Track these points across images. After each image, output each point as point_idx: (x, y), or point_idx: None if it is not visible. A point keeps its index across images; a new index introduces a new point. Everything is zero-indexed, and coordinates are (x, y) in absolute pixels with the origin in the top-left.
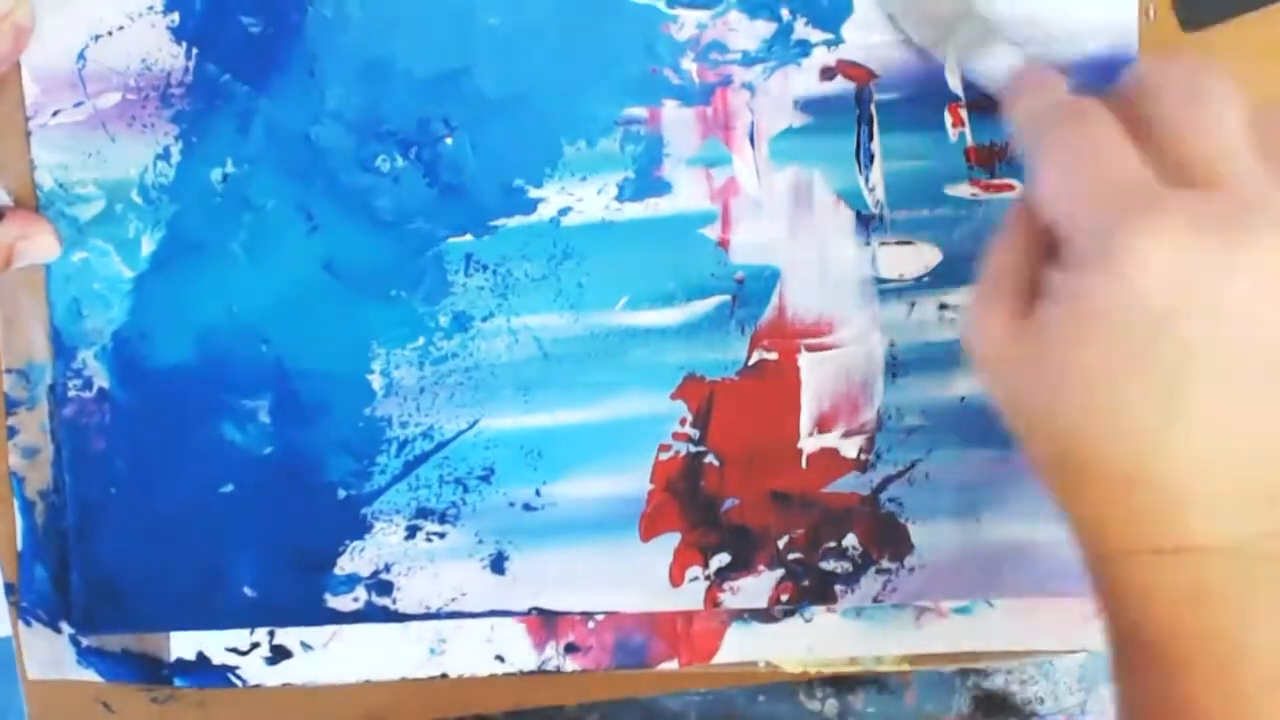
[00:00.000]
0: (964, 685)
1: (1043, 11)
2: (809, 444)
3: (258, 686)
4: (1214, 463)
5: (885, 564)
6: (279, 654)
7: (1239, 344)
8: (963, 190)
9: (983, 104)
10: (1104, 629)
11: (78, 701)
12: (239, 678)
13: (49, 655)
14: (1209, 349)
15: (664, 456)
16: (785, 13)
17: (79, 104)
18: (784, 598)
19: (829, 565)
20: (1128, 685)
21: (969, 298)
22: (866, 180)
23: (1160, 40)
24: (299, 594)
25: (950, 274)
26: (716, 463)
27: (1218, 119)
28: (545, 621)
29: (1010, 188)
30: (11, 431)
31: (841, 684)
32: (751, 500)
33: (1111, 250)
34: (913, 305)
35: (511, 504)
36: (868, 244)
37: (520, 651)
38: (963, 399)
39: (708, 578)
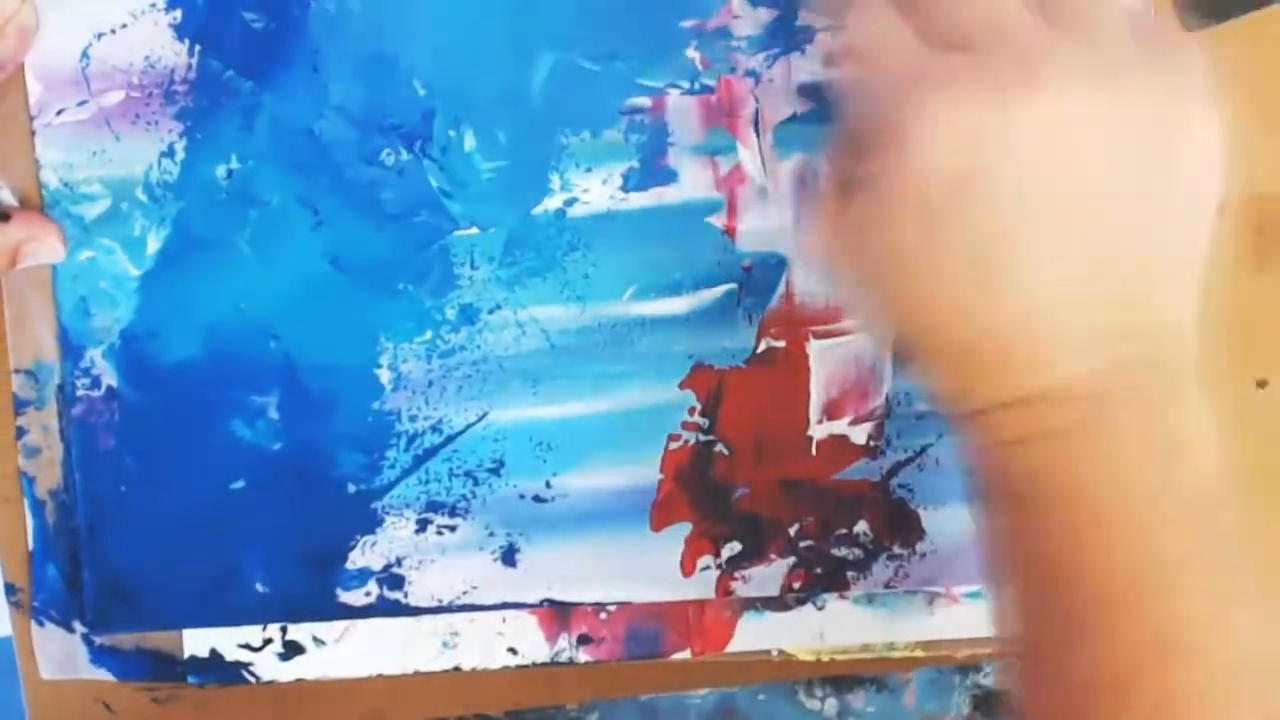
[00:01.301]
0: (963, 684)
1: None
2: (818, 431)
3: (271, 682)
4: (1053, 305)
5: (897, 550)
6: (292, 650)
7: (1043, 184)
8: None
9: None
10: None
11: (78, 701)
12: (252, 674)
13: (62, 655)
14: (1015, 197)
15: (673, 446)
16: None
17: (83, 102)
18: (796, 585)
19: (841, 552)
20: (989, 530)
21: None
22: None
23: None
24: (311, 589)
25: None
26: (726, 452)
27: None
28: (557, 613)
29: None
30: (21, 431)
31: (841, 683)
32: (762, 488)
33: (895, 128)
34: None
35: (522, 496)
36: None
37: (532, 643)
38: None
39: (719, 567)
